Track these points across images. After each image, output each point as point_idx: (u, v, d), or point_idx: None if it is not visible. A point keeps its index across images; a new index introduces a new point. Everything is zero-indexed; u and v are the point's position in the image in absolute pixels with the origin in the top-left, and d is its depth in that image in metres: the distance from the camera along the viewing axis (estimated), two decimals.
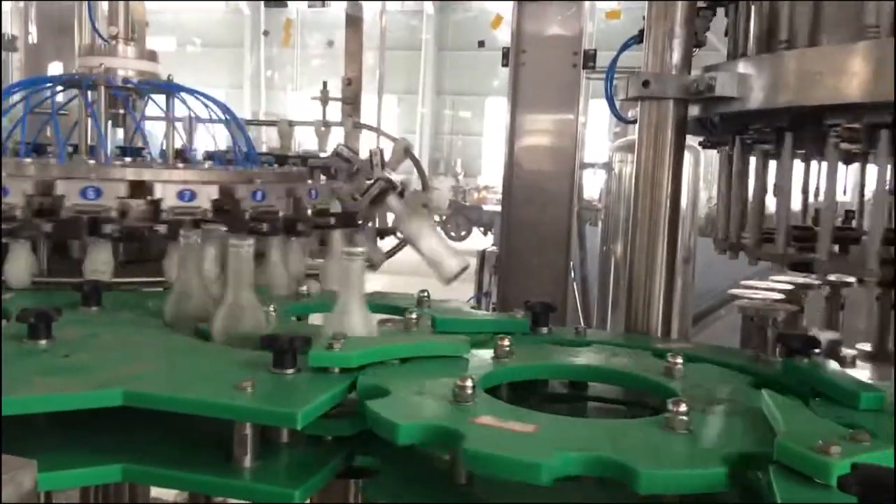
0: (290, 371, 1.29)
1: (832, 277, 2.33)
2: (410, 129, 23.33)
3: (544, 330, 1.71)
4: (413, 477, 1.27)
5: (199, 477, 1.18)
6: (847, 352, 2.29)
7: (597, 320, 6.30)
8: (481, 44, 4.69)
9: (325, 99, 4.12)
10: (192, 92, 2.41)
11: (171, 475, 1.20)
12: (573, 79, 3.41)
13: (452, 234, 19.33)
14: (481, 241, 8.46)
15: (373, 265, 2.39)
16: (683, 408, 1.15)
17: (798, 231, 1.92)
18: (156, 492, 3.00)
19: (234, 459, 1.19)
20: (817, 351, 1.45)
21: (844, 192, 2.29)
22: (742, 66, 1.68)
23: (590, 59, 3.49)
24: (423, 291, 1.83)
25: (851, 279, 2.32)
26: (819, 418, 1.11)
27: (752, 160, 1.90)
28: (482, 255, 6.66)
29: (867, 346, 2.30)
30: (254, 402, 1.16)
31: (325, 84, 4.22)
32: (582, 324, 2.06)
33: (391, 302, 1.88)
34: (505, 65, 3.50)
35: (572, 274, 6.05)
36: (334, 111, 4.11)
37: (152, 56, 2.49)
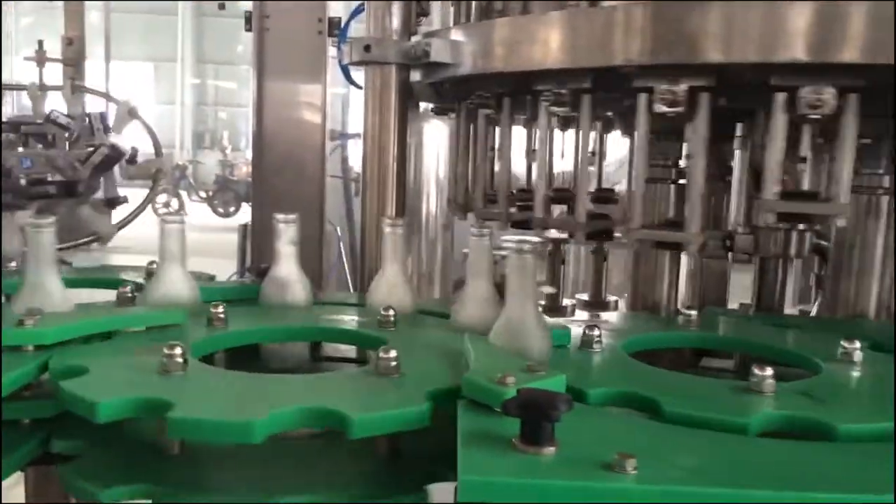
0: None
1: (555, 234, 2.54)
2: (170, 100, 21.96)
3: None
4: (122, 455, 1.21)
5: None
6: (567, 301, 2.52)
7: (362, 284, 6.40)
8: (222, 6, 4.47)
9: (41, 60, 3.73)
10: None
11: None
12: (319, 46, 3.38)
13: (220, 210, 18.59)
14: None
15: (101, 238, 2.23)
16: (393, 353, 1.20)
17: (522, 193, 2.07)
18: None
19: None
20: None
21: (563, 156, 2.50)
22: (455, 34, 1.76)
23: (335, 26, 3.48)
24: (151, 263, 1.73)
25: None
26: (507, 355, 1.21)
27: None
28: (244, 230, 6.47)
29: (585, 296, 2.55)
30: None
31: (40, 43, 3.81)
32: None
33: (113, 275, 1.77)
34: (248, 30, 3.39)
35: (340, 245, 6.09)
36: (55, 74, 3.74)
37: None
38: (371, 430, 1.07)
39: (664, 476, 0.88)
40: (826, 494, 0.86)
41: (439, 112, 2.38)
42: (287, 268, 1.66)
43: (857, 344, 1.35)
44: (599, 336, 1.41)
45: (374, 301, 1.63)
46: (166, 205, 11.92)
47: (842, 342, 1.36)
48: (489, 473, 0.87)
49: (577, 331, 1.44)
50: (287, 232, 1.65)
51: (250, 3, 3.39)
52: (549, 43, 1.57)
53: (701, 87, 1.43)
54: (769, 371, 1.17)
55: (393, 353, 1.21)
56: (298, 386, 1.20)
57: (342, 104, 6.52)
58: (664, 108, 1.45)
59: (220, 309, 1.44)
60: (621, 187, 2.47)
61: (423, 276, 3.85)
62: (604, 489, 0.86)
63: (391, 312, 1.48)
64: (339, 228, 5.56)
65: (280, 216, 1.65)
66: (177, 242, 1.48)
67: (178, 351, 1.19)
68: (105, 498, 1.07)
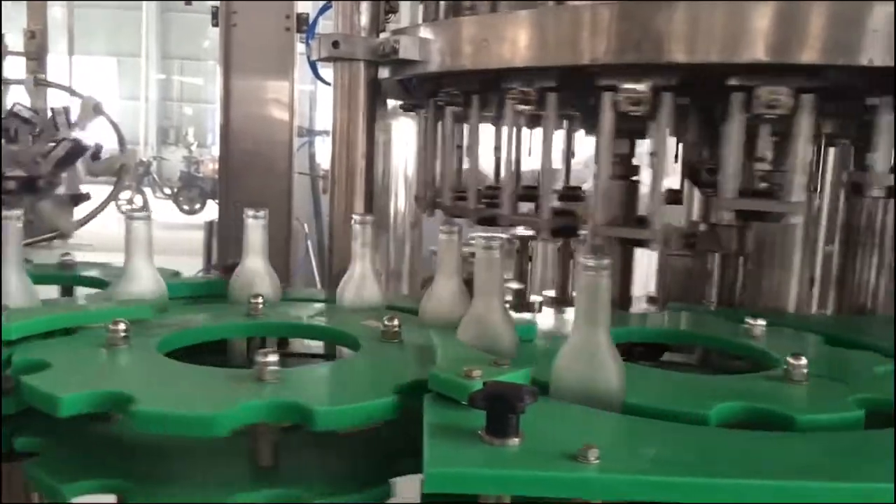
0: None
1: (523, 231, 2.56)
2: (134, 96, 21.64)
3: None
4: (87, 450, 1.20)
5: None
6: (535, 298, 2.55)
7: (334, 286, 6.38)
8: (188, 2, 4.40)
9: (2, 53, 3.65)
10: None
11: None
12: (287, 43, 3.37)
13: (185, 207, 18.32)
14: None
15: (63, 234, 2.20)
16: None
17: (489, 190, 2.08)
18: None
19: None
20: None
21: (529, 154, 2.52)
22: (423, 31, 1.77)
23: (303, 22, 3.47)
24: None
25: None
26: (473, 350, 1.22)
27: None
28: (210, 226, 6.41)
29: (552, 293, 2.58)
30: None
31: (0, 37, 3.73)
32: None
33: (78, 272, 1.75)
34: (215, 25, 3.37)
35: (308, 243, 6.05)
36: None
37: None
38: (336, 424, 1.07)
39: (627, 466, 0.90)
40: (788, 482, 0.88)
41: (408, 109, 2.39)
42: (255, 263, 1.66)
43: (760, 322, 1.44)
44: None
45: (344, 297, 1.63)
46: (129, 201, 11.75)
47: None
48: (455, 465, 0.88)
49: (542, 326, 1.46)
50: (255, 229, 1.65)
51: None
52: (516, 41, 1.58)
53: (664, 86, 1.46)
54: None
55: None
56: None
57: (310, 101, 6.49)
58: (628, 108, 1.47)
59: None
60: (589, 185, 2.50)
61: (392, 274, 3.86)
62: (568, 479, 0.87)
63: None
64: (306, 225, 5.54)
65: (249, 212, 1.65)
66: (143, 238, 1.47)
67: (121, 326, 1.19)
68: (69, 493, 1.07)
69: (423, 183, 2.08)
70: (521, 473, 0.88)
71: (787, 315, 1.86)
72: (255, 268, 1.66)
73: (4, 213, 1.24)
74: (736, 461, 0.93)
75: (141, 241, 1.46)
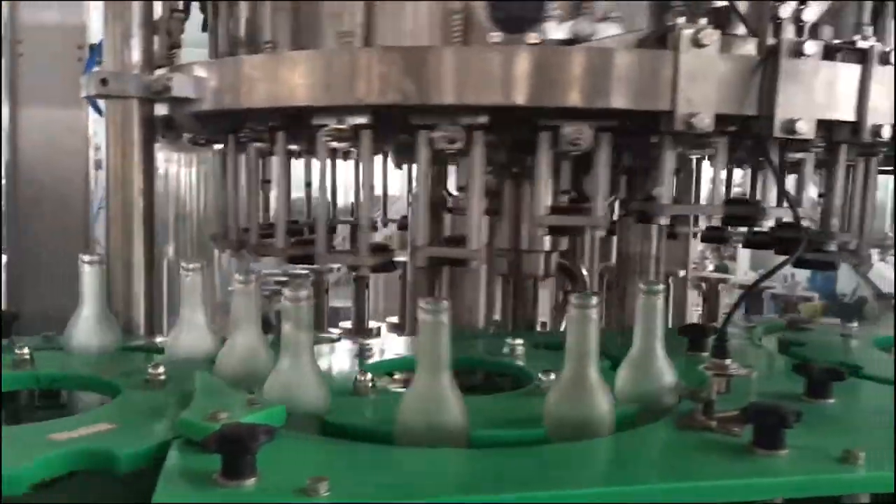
0: None
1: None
2: None
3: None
4: None
5: None
6: (374, 324, 2.58)
7: (155, 323, 6.10)
8: None
9: None
10: None
11: None
12: (80, 73, 3.22)
13: None
14: None
15: None
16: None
17: (295, 225, 2.06)
18: None
19: None
20: None
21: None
22: (197, 69, 1.76)
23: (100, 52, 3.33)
24: None
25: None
26: (232, 392, 1.23)
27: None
28: None
29: (395, 319, 2.62)
30: None
31: None
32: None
33: None
34: None
35: None
36: None
37: None
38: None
39: (355, 494, 0.95)
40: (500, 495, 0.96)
41: (202, 143, 2.36)
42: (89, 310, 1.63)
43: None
44: None
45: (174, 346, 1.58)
46: None
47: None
48: None
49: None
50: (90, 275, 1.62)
51: None
52: (288, 81, 1.61)
53: (477, 125, 1.54)
54: None
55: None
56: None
57: None
58: (444, 145, 1.54)
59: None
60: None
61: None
62: None
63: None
64: None
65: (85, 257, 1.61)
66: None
67: None
68: None
69: (223, 221, 2.04)
70: None
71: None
72: (89, 315, 1.62)
73: None
74: (460, 481, 1.00)
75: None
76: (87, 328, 1.63)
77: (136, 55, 1.81)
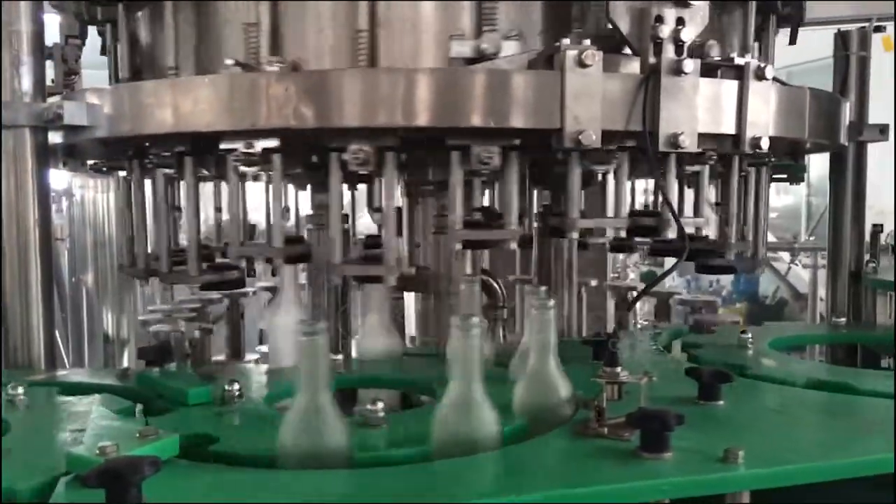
0: None
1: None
2: None
3: None
4: None
5: None
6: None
7: (73, 353, 5.93)
8: None
9: None
10: None
11: None
12: None
13: None
14: None
15: None
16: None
17: (206, 250, 2.02)
18: None
19: None
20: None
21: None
22: (90, 96, 1.73)
23: None
24: None
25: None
26: (132, 425, 1.22)
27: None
28: None
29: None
30: None
31: None
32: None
33: None
34: None
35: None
36: None
37: None
38: None
39: None
40: None
41: (104, 170, 2.31)
42: None
43: None
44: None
45: None
46: None
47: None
48: None
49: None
50: None
51: None
52: (179, 107, 1.60)
53: (387, 147, 1.55)
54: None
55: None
56: None
57: None
58: (356, 167, 1.55)
59: None
60: None
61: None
62: None
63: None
64: None
65: None
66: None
67: None
68: None
69: (129, 249, 2.00)
70: None
71: None
72: None
73: None
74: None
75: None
76: None
77: (26, 83, 1.77)
